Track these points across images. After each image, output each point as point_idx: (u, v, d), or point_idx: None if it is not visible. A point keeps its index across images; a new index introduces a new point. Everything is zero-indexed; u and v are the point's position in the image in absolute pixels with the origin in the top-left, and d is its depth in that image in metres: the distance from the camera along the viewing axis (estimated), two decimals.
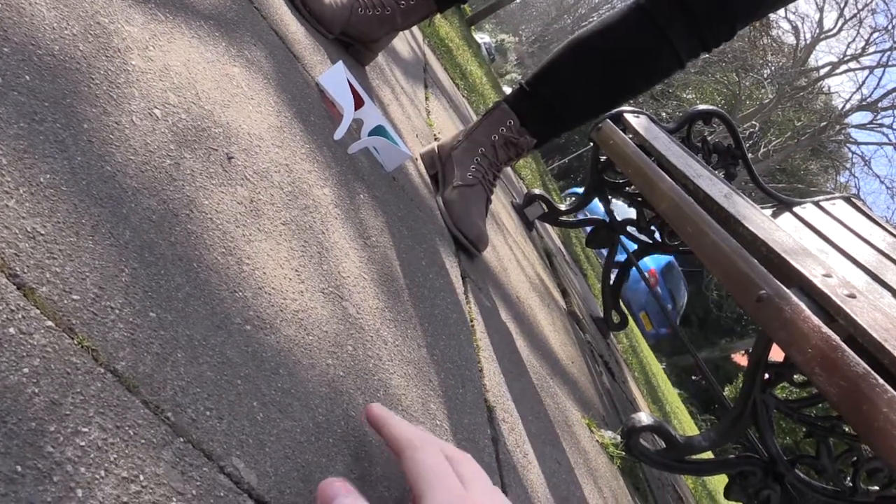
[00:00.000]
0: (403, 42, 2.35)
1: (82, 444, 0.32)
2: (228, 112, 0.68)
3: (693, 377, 16.67)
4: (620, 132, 2.01)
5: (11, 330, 0.33)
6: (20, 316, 0.33)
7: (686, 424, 6.68)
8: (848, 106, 21.79)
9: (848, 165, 22.95)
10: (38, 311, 0.35)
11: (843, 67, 21.13)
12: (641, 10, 1.27)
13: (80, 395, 0.34)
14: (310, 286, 0.61)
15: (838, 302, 1.18)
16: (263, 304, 0.53)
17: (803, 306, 1.21)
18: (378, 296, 0.74)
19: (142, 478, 0.34)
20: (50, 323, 0.35)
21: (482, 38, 12.62)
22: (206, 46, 0.73)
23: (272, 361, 0.49)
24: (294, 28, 1.08)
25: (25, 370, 0.32)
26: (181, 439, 0.37)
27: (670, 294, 9.85)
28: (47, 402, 0.32)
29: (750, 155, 2.46)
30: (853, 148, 22.99)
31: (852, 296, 1.21)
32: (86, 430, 0.33)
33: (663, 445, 1.45)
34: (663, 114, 18.87)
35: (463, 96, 3.35)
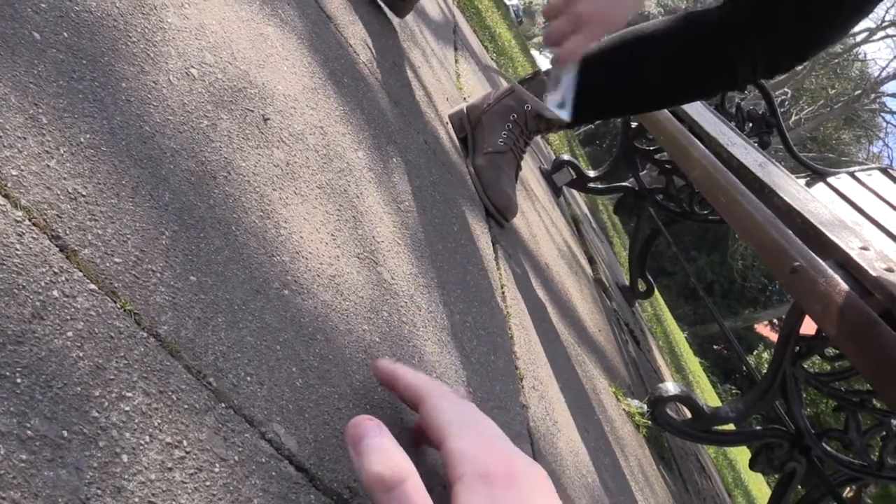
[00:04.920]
0: (433, 1, 2.30)
1: (127, 409, 0.32)
2: (263, 73, 0.67)
3: (714, 346, 16.60)
4: None
5: (55, 293, 0.32)
6: (63, 279, 0.33)
7: (707, 394, 6.66)
8: (884, 74, 21.19)
9: (881, 135, 22.42)
10: (80, 274, 0.34)
11: (881, 34, 20.49)
12: (717, 26, 1.17)
13: (124, 359, 0.33)
14: (345, 251, 0.61)
15: (875, 276, 1.15)
16: (301, 269, 0.52)
17: (839, 279, 1.18)
18: (412, 261, 0.73)
19: (185, 443, 0.33)
20: (93, 286, 0.34)
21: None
22: (241, 5, 0.72)
23: (310, 327, 0.48)
24: None
25: (70, 334, 0.31)
26: (223, 405, 0.37)
27: None
28: (92, 367, 0.31)
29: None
30: (888, 117, 22.43)
31: (890, 270, 1.18)
32: (130, 394, 0.32)
33: (688, 415, 1.44)
34: None
35: (492, 59, 3.30)
